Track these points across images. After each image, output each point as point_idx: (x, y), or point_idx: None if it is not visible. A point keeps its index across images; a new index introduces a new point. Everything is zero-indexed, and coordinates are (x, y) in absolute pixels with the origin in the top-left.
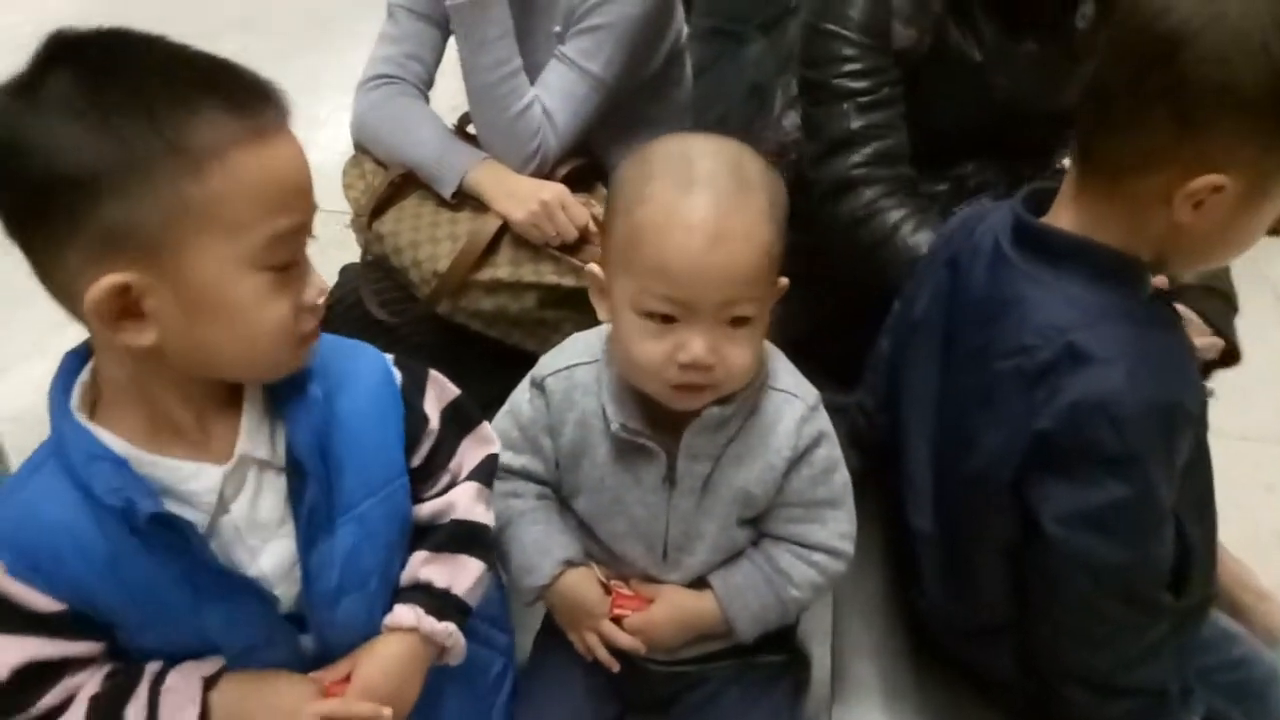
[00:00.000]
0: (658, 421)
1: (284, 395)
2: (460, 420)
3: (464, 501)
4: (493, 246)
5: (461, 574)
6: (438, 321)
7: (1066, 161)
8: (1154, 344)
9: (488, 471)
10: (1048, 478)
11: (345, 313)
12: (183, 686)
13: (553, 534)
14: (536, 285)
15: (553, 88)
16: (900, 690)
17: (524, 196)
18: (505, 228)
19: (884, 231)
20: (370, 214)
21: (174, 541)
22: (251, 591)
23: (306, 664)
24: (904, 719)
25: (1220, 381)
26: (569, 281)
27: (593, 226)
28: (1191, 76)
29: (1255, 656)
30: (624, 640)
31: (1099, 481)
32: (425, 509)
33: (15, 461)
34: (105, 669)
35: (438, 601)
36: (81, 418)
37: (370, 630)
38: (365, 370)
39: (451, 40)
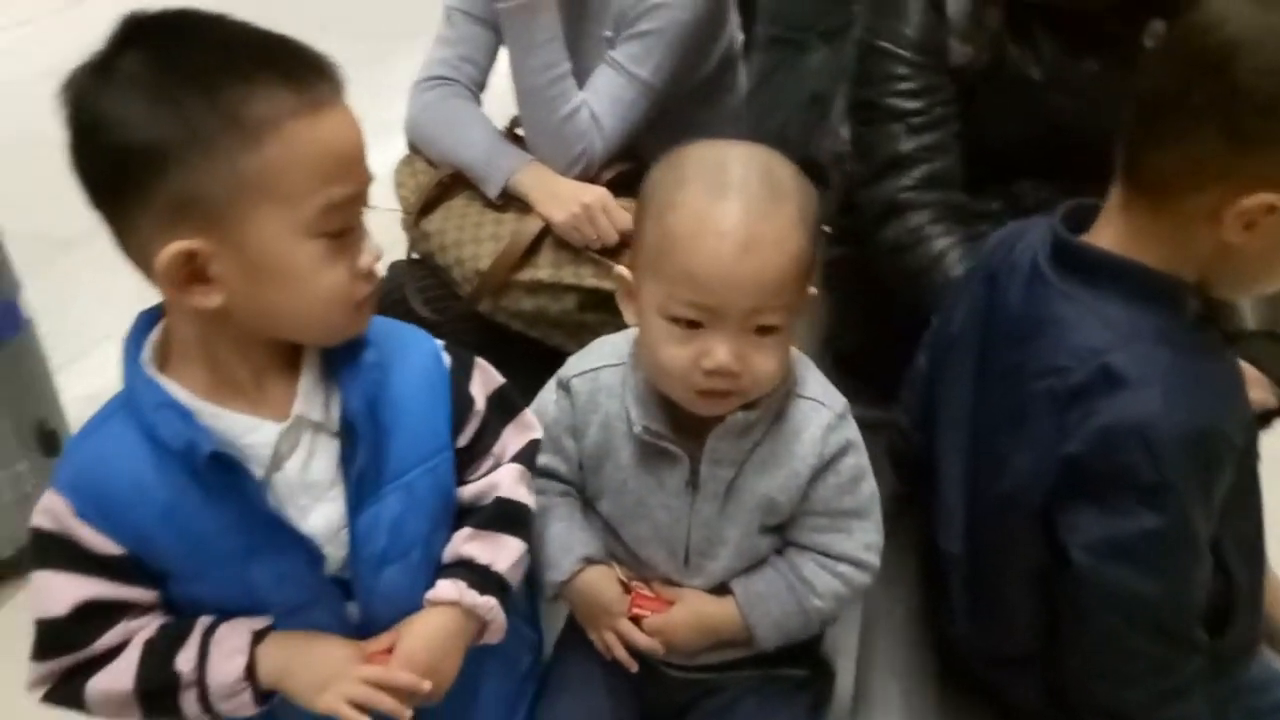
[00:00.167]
0: (681, 425)
1: (340, 361)
2: (504, 407)
3: (507, 482)
4: (535, 248)
5: (503, 552)
6: (480, 320)
7: None
8: (1194, 368)
9: (530, 456)
10: (1078, 504)
11: (389, 309)
12: (233, 637)
13: (574, 531)
14: (576, 288)
15: (601, 92)
16: (923, 713)
17: (566, 199)
18: (547, 230)
19: (928, 259)
20: (418, 212)
21: (230, 486)
22: (300, 547)
23: (350, 633)
24: None
25: None
26: (609, 285)
27: None
28: (1243, 88)
29: None
30: (641, 640)
31: (1131, 510)
32: (468, 490)
33: None
34: (160, 619)
35: (479, 577)
36: (152, 370)
37: (413, 604)
38: (417, 349)
39: None
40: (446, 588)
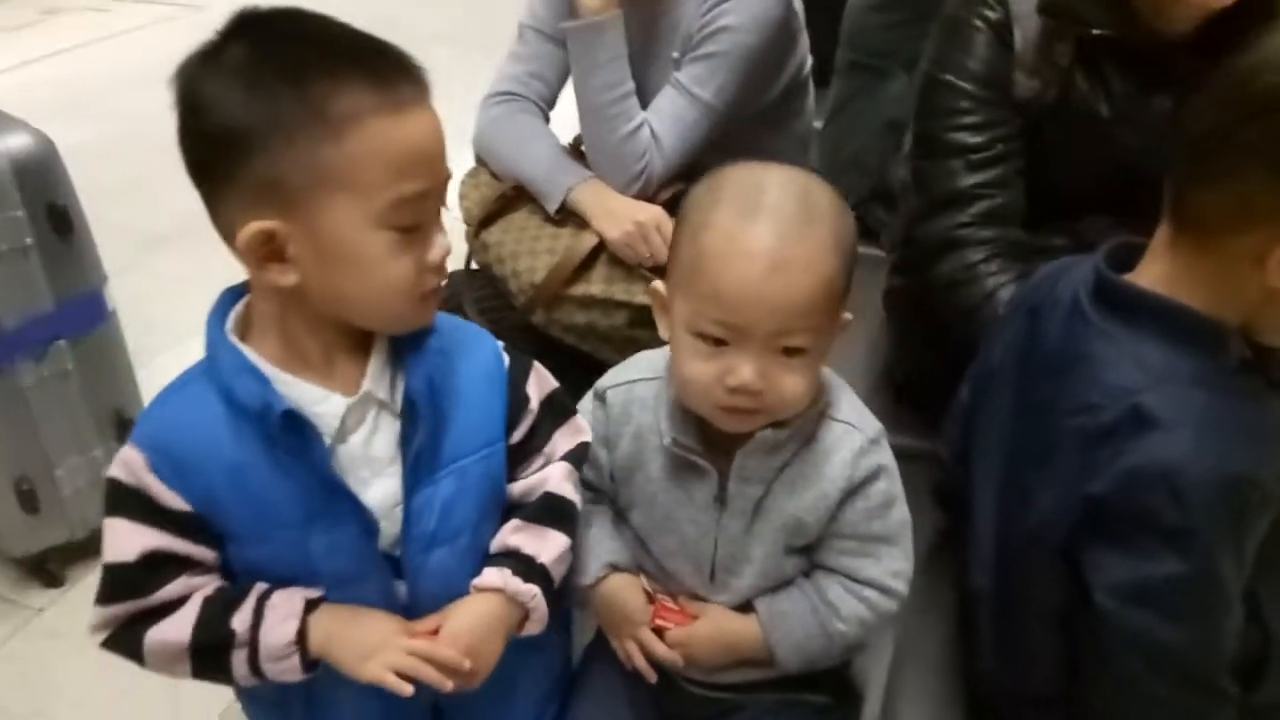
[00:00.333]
0: (712, 442)
1: (407, 347)
2: (556, 410)
3: (555, 478)
4: (589, 263)
5: (547, 545)
6: (533, 332)
7: None
8: (1231, 412)
9: (578, 457)
10: (1101, 545)
11: None
12: (287, 604)
13: (601, 538)
14: (627, 304)
15: (663, 112)
16: None
17: (621, 216)
18: (602, 246)
19: (979, 296)
20: (478, 223)
21: (297, 450)
22: (357, 517)
23: (398, 611)
24: None
25: None
26: None
27: None
28: None
29: None
30: (660, 651)
31: (1154, 554)
32: (518, 486)
33: None
34: (218, 581)
35: (524, 566)
36: (234, 339)
37: (459, 588)
38: (480, 346)
39: None
40: (492, 575)
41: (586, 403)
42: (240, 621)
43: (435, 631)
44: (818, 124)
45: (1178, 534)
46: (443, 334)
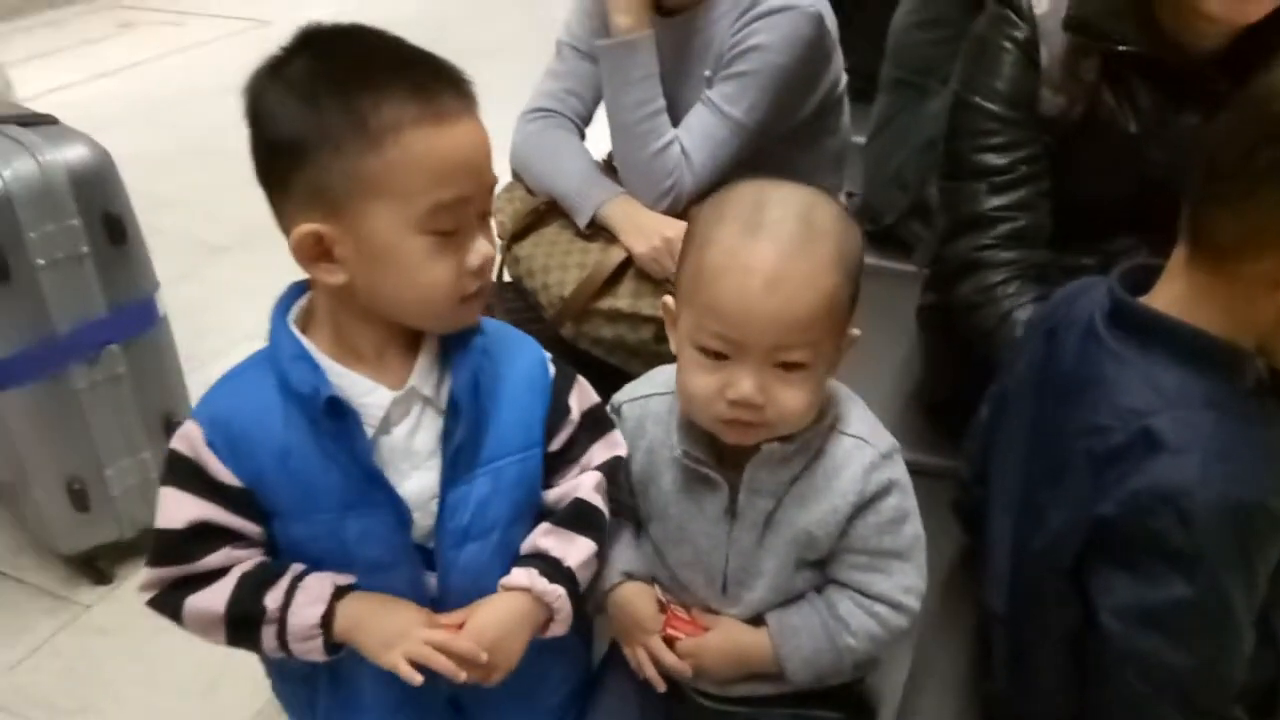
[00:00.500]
0: (723, 455)
1: (454, 347)
2: (595, 423)
3: (586, 486)
4: (617, 278)
5: (574, 549)
6: (563, 345)
7: None
8: (1242, 437)
9: (611, 468)
10: (1109, 567)
11: None
12: (317, 587)
13: (620, 547)
14: (654, 319)
15: (694, 130)
16: None
17: (649, 231)
18: (630, 261)
19: (995, 319)
20: (511, 237)
21: (342, 437)
22: (392, 506)
23: (426, 604)
24: None
25: None
26: None
27: None
28: None
29: None
30: (670, 660)
31: (1161, 577)
32: (552, 494)
33: None
34: (259, 557)
35: (551, 568)
36: (294, 328)
37: (488, 584)
38: (527, 353)
39: None
40: (519, 574)
41: None
42: (273, 599)
43: (460, 626)
44: (860, 139)
45: (1184, 557)
46: (489, 336)
